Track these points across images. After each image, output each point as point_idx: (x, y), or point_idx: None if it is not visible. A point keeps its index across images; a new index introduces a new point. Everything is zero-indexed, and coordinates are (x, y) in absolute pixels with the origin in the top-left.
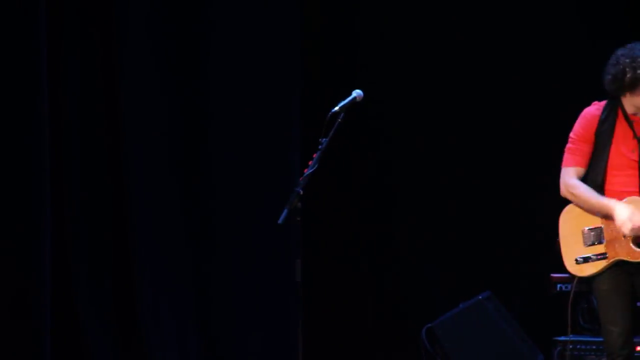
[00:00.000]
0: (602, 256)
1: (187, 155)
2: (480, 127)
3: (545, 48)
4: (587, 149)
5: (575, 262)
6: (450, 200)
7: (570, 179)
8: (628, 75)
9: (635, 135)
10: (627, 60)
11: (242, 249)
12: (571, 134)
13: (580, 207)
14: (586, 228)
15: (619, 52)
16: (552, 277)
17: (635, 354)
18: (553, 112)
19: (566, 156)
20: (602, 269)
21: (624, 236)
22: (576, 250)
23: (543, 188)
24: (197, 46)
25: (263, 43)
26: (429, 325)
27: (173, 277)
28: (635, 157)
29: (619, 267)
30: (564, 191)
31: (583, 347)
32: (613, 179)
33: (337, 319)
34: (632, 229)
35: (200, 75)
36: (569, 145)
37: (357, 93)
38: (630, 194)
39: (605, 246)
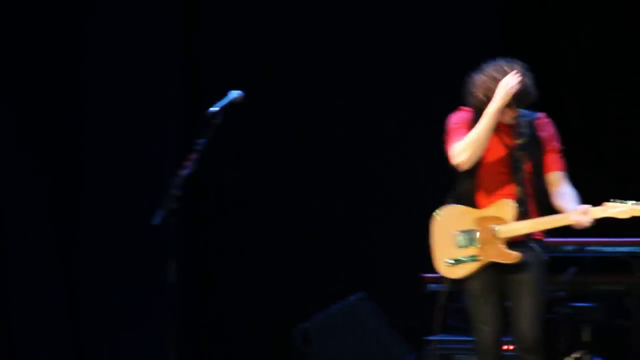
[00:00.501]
0: (474, 258)
1: (57, 149)
2: (346, 125)
3: (406, 59)
4: (469, 131)
5: (446, 264)
6: (324, 200)
7: (456, 144)
8: (481, 96)
9: (503, 141)
10: (481, 82)
11: (116, 251)
12: (449, 126)
13: (479, 149)
14: (459, 230)
15: (477, 71)
16: (424, 277)
17: (504, 353)
18: (419, 117)
19: (450, 138)
20: (474, 271)
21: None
22: (448, 252)
23: (415, 188)
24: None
25: (142, 44)
26: (303, 325)
27: (43, 277)
28: (506, 162)
29: (491, 268)
30: (457, 156)
31: (453, 346)
32: (484, 183)
33: (210, 319)
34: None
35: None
36: (450, 132)
37: (235, 94)
38: (501, 196)
39: (478, 248)
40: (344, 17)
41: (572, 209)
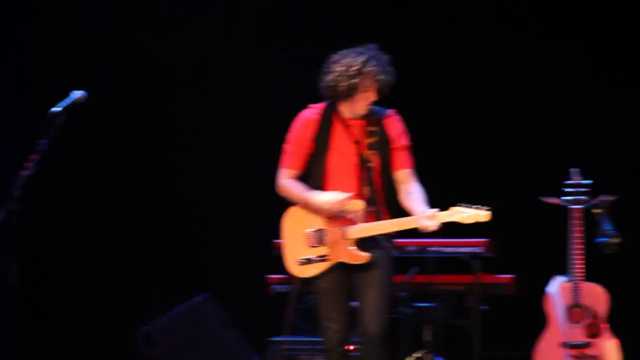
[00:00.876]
0: (324, 258)
1: None
2: (183, 127)
3: (259, 51)
4: (303, 152)
5: (297, 263)
6: (167, 200)
7: (282, 180)
8: (343, 84)
9: (353, 140)
10: (342, 68)
11: None
12: (288, 137)
13: (298, 205)
14: (309, 230)
15: (334, 58)
16: (269, 278)
17: (350, 353)
18: (271, 114)
19: (283, 158)
20: (323, 270)
21: (343, 237)
22: (299, 252)
23: (261, 188)
24: None
25: None
26: (145, 327)
27: None
28: (355, 161)
29: (340, 267)
30: (278, 189)
31: (297, 347)
32: (332, 182)
33: (53, 322)
34: (331, 203)
35: None
36: (286, 147)
37: (78, 94)
38: (352, 196)
39: (327, 248)
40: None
41: (420, 213)
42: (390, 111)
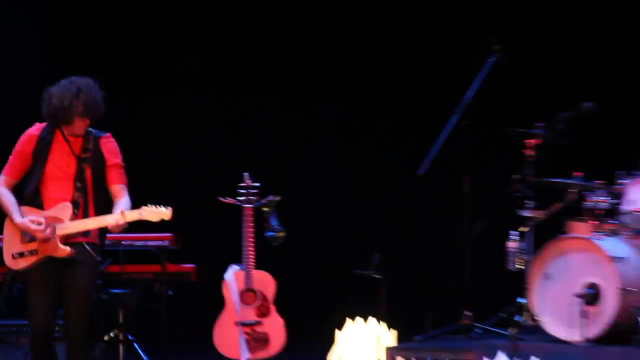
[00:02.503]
0: (34, 252)
1: None
2: None
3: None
4: (21, 163)
5: (12, 256)
6: None
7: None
8: (59, 114)
9: (72, 152)
10: (57, 101)
11: None
12: (16, 146)
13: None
14: None
15: (50, 90)
16: None
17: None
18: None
19: (5, 166)
20: (33, 263)
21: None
22: (14, 246)
23: None
24: None
25: None
26: None
27: None
28: (72, 171)
29: (50, 262)
30: None
31: (5, 330)
32: (49, 188)
33: None
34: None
35: None
36: (10, 156)
37: None
38: (64, 200)
39: (37, 244)
40: None
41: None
42: (106, 133)
